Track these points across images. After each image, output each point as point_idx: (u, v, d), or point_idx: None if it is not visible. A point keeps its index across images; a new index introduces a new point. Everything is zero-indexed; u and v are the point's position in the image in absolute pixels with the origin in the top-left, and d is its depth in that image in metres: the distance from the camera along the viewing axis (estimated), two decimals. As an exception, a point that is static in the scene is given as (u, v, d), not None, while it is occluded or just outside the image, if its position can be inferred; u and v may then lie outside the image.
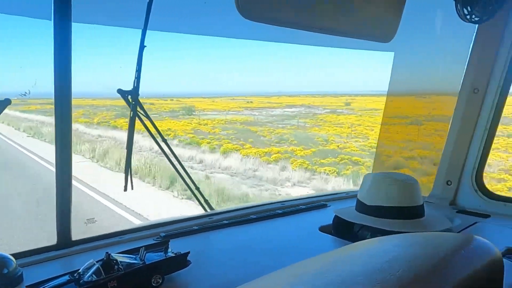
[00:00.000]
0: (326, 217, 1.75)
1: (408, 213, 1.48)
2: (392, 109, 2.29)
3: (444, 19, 2.12)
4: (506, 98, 1.85)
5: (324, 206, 2.02)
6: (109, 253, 1.09)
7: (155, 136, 1.64)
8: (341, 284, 0.61)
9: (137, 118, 1.56)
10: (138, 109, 1.55)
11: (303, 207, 1.96)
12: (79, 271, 1.07)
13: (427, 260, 0.68)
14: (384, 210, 1.49)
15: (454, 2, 1.63)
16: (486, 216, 1.81)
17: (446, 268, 0.67)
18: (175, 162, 1.72)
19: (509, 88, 1.83)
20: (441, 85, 2.19)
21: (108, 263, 1.07)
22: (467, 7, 1.62)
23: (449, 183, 2.00)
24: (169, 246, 1.24)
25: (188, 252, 1.20)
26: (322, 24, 1.40)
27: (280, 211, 1.88)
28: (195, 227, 1.64)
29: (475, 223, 1.71)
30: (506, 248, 1.41)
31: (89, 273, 1.04)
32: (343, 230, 1.62)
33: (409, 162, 2.32)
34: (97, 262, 1.08)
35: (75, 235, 1.46)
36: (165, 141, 1.71)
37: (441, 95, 2.19)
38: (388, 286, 0.59)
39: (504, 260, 1.34)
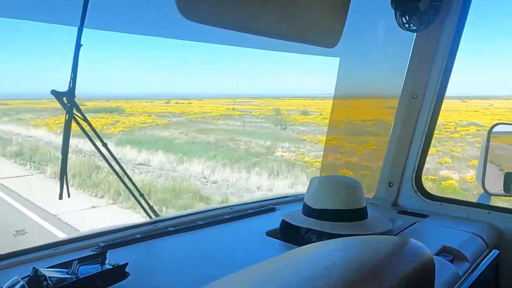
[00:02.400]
0: (274, 221, 1.74)
1: (351, 216, 1.51)
2: (338, 113, 2.34)
3: (387, 27, 2.20)
4: (441, 104, 1.95)
5: (272, 210, 2.01)
6: (36, 268, 1.00)
7: (93, 139, 1.55)
8: None
9: (73, 121, 1.46)
10: (75, 111, 1.46)
11: (252, 211, 1.95)
12: None
13: (362, 264, 0.68)
14: (328, 213, 1.51)
15: (394, 11, 1.69)
16: (424, 216, 1.90)
17: (381, 271, 0.68)
18: (116, 167, 1.64)
19: (444, 94, 1.94)
20: (384, 91, 2.27)
21: (34, 280, 0.98)
22: (405, 16, 1.69)
23: (391, 185, 2.08)
24: (107, 257, 1.17)
25: (127, 264, 1.14)
26: (267, 28, 1.39)
27: (227, 216, 1.85)
28: (138, 236, 1.57)
29: (414, 223, 1.78)
30: (441, 247, 1.48)
31: None
32: (290, 234, 1.62)
33: (355, 164, 2.38)
34: (22, 278, 0.98)
35: (2, 249, 1.34)
36: (105, 145, 1.63)
37: (385, 101, 2.27)
38: None
39: (439, 258, 1.41)
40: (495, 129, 2.00)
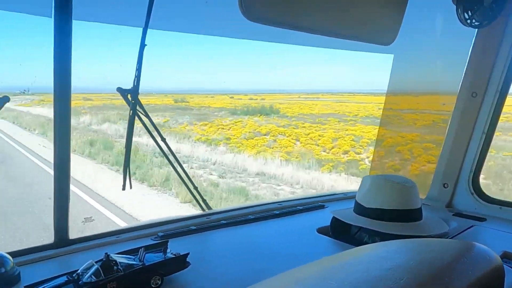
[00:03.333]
0: (323, 218, 1.75)
1: (406, 216, 1.49)
2: (391, 110, 2.30)
3: (444, 23, 2.12)
4: (504, 103, 1.86)
5: (321, 207, 2.02)
6: (108, 253, 1.08)
7: (153, 135, 1.63)
8: None
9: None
10: (138, 108, 1.54)
11: (301, 207, 1.97)
12: (78, 271, 1.06)
13: (429, 267, 0.68)
14: (382, 213, 1.50)
15: (455, 6, 1.63)
16: (482, 219, 1.82)
17: (449, 276, 0.67)
18: (174, 162, 1.72)
19: (507, 93, 1.85)
20: (440, 88, 2.20)
21: (107, 264, 1.06)
22: (468, 11, 1.62)
23: (445, 185, 2.02)
24: (168, 246, 1.23)
25: (188, 254, 1.20)
26: (324, 27, 1.39)
27: (277, 212, 1.88)
28: (193, 227, 1.64)
29: (472, 226, 1.72)
30: (503, 252, 1.43)
31: (88, 274, 1.04)
32: (341, 232, 1.62)
33: (407, 163, 2.33)
34: (96, 262, 1.07)
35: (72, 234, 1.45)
36: (164, 140, 1.71)
37: (440, 99, 2.20)
38: None
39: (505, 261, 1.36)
40: None
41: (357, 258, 0.79)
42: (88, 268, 1.06)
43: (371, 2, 1.53)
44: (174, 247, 1.25)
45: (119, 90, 1.51)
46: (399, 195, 1.50)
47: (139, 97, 1.52)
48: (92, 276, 1.03)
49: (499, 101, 1.85)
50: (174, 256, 1.18)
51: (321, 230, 1.67)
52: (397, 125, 2.34)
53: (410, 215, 1.50)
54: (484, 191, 1.96)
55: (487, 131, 1.89)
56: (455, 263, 0.71)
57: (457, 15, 1.65)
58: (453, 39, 2.12)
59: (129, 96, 1.52)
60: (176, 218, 1.70)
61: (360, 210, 1.57)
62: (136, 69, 1.49)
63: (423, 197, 2.11)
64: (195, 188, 1.84)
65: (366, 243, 1.51)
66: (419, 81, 2.22)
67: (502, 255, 1.41)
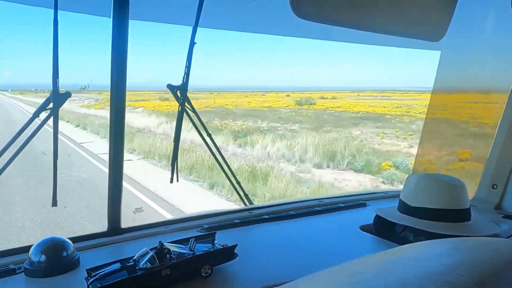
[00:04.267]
0: (366, 216, 1.74)
1: (454, 216, 1.45)
2: (437, 108, 2.24)
3: (496, 17, 2.04)
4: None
5: (363, 205, 2.01)
6: (162, 242, 1.14)
7: (200, 130, 1.69)
8: (405, 286, 0.62)
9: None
10: (186, 104, 1.60)
11: (342, 205, 1.96)
12: (134, 258, 1.12)
13: (489, 266, 0.67)
14: (428, 212, 1.47)
15: (510, 1, 1.58)
16: None
17: (510, 275, 0.67)
18: (219, 157, 1.77)
19: None
20: (490, 85, 2.12)
21: (161, 252, 1.11)
22: (524, 5, 1.56)
23: (495, 187, 1.95)
24: (215, 238, 1.28)
25: (235, 245, 1.24)
26: (373, 24, 1.39)
27: (319, 208, 1.89)
28: (236, 221, 1.68)
29: None
30: None
31: (144, 260, 1.10)
32: (385, 230, 1.61)
33: (453, 163, 2.26)
34: (150, 250, 1.13)
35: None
36: (210, 135, 1.76)
37: (491, 95, 2.12)
38: None
39: None
40: None
41: (410, 255, 0.79)
42: (143, 255, 1.12)
43: None
44: (220, 239, 1.29)
45: (169, 86, 1.57)
46: (447, 194, 1.47)
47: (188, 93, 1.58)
48: (148, 262, 1.09)
49: None
50: (223, 247, 1.22)
51: (364, 228, 1.66)
52: (444, 124, 2.28)
53: (458, 215, 1.46)
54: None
55: None
56: None
57: (512, 9, 1.59)
58: (503, 34, 2.04)
59: (178, 92, 1.58)
60: (220, 212, 1.75)
61: (405, 208, 1.55)
62: (186, 67, 1.54)
63: (470, 198, 2.04)
64: (238, 183, 1.88)
65: (411, 242, 1.49)
66: (467, 78, 2.15)
67: None
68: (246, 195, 1.92)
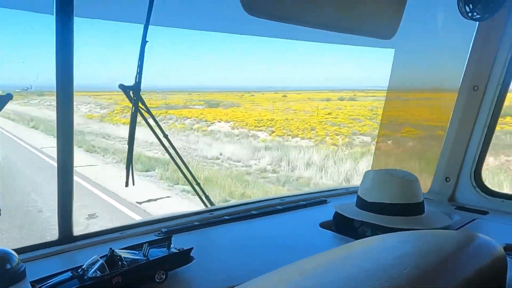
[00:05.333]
0: (326, 213, 1.76)
1: (408, 210, 1.49)
2: (392, 106, 2.29)
3: (445, 16, 2.12)
4: (505, 96, 1.86)
5: (324, 202, 2.03)
6: (112, 249, 1.09)
7: (155, 131, 1.64)
8: (352, 280, 0.62)
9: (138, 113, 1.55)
10: (140, 104, 1.55)
11: (303, 203, 1.97)
12: (83, 267, 1.07)
13: (434, 257, 0.69)
14: (384, 207, 1.50)
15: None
16: (484, 212, 1.83)
17: (453, 265, 0.68)
18: (177, 158, 1.72)
19: (508, 86, 1.84)
20: (441, 82, 2.19)
21: (112, 259, 1.07)
22: (469, 4, 1.62)
23: (447, 179, 2.02)
24: (172, 242, 1.24)
25: (192, 248, 1.21)
26: (324, 21, 1.39)
27: (280, 207, 1.89)
28: (196, 223, 1.65)
29: (474, 219, 1.73)
30: (505, 245, 1.43)
31: (93, 269, 1.05)
32: (344, 226, 1.63)
33: (408, 158, 2.33)
34: (100, 258, 1.08)
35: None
36: (166, 136, 1.71)
37: (441, 92, 2.20)
38: (397, 282, 0.59)
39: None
40: None
41: (363, 249, 0.80)
42: (93, 263, 1.07)
43: None
44: (178, 243, 1.26)
45: (121, 87, 1.51)
46: (401, 189, 1.50)
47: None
48: (97, 271, 1.04)
49: (501, 94, 1.85)
50: (178, 251, 1.19)
51: (324, 225, 1.68)
52: (399, 120, 2.34)
53: (413, 209, 1.50)
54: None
55: (488, 124, 1.89)
56: (459, 252, 0.72)
57: (458, 8, 1.64)
58: (454, 33, 2.11)
59: (131, 93, 1.53)
60: (179, 214, 1.71)
61: (363, 204, 1.58)
62: (138, 66, 1.49)
63: (426, 191, 2.11)
64: (198, 184, 1.85)
65: (368, 237, 1.52)
66: (420, 76, 2.22)
67: (504, 248, 1.41)
68: (206, 196, 1.88)
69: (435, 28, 2.17)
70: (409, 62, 2.22)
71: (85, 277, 1.03)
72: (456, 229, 1.61)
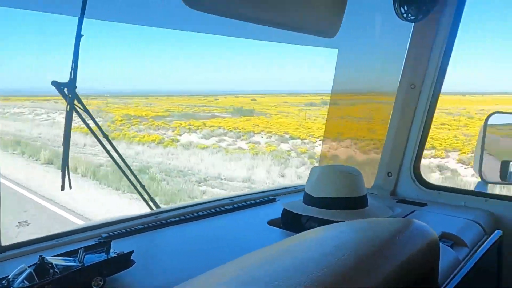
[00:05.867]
0: (275, 211, 1.76)
1: (352, 204, 1.53)
2: (337, 105, 2.36)
3: (386, 17, 2.21)
4: (439, 93, 1.97)
5: (273, 200, 2.03)
6: (42, 256, 1.01)
7: (94, 131, 1.55)
8: (291, 270, 0.61)
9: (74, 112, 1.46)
10: (76, 102, 1.46)
11: (252, 202, 1.96)
12: (8, 277, 0.98)
13: (370, 243, 0.69)
14: (329, 202, 1.53)
15: (392, 1, 1.70)
16: (423, 204, 1.92)
17: (388, 250, 0.69)
18: (118, 159, 1.64)
19: (442, 84, 1.95)
20: (383, 82, 2.28)
21: (42, 267, 0.98)
22: (404, 6, 1.70)
23: (389, 174, 2.10)
24: (111, 246, 1.17)
25: (132, 252, 1.14)
26: (264, 17, 1.39)
27: (228, 207, 1.86)
28: (140, 226, 1.58)
29: (413, 211, 1.81)
30: (441, 233, 1.50)
31: (19, 279, 0.96)
32: (292, 223, 1.64)
33: (353, 155, 2.40)
34: (29, 267, 0.99)
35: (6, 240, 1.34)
36: (106, 137, 1.63)
37: (383, 92, 2.28)
38: (333, 270, 0.59)
39: (440, 243, 1.43)
40: (491, 118, 2.03)
41: (307, 240, 0.80)
42: (20, 273, 0.98)
43: None
44: (120, 248, 1.19)
45: (54, 84, 1.41)
46: (345, 183, 1.54)
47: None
48: (25, 281, 0.95)
49: (435, 92, 1.96)
50: (116, 255, 1.12)
51: (272, 222, 1.67)
52: (344, 119, 2.41)
53: (356, 203, 1.54)
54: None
55: (425, 121, 1.99)
56: (394, 238, 0.73)
57: (394, 10, 1.72)
58: (395, 33, 2.21)
59: (65, 90, 1.43)
60: (122, 219, 1.62)
61: (309, 200, 1.59)
62: (73, 62, 1.40)
63: (370, 186, 2.18)
64: (142, 186, 1.78)
65: None
66: (363, 75, 2.30)
67: (441, 236, 1.49)
68: (151, 198, 1.82)
69: (377, 28, 2.26)
70: (352, 62, 2.29)
71: None
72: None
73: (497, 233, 1.49)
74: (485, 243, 1.41)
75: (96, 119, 1.64)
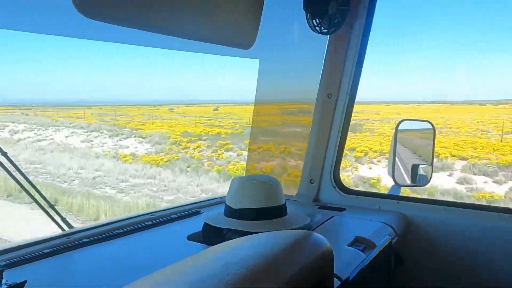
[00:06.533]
0: (198, 224, 1.71)
1: (270, 213, 1.53)
2: (260, 115, 2.38)
3: (303, 30, 2.27)
4: (354, 102, 2.07)
5: (197, 213, 1.98)
6: None
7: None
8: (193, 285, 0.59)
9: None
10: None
11: (175, 216, 1.90)
12: None
13: (260, 259, 0.69)
14: (248, 212, 1.52)
15: (305, 14, 1.76)
16: (342, 209, 1.99)
17: (279, 265, 0.69)
18: (20, 177, 1.51)
19: (356, 93, 2.05)
20: (304, 92, 2.35)
21: None
22: (316, 19, 1.76)
23: (312, 181, 2.16)
24: (3, 276, 1.06)
25: (25, 282, 1.04)
26: (176, 28, 1.36)
27: (149, 223, 1.78)
28: (47, 250, 1.45)
29: (332, 217, 1.86)
30: (355, 237, 1.56)
31: None
32: (213, 236, 1.60)
33: (278, 164, 2.44)
34: None
35: None
36: (5, 154, 1.48)
37: (304, 102, 2.35)
38: (235, 279, 0.58)
39: (352, 248, 1.49)
40: (401, 125, 2.17)
41: (202, 258, 0.77)
42: None
43: (225, 3, 1.54)
44: (20, 276, 1.08)
45: None
46: (263, 193, 1.54)
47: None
48: None
49: (350, 102, 2.05)
50: (7, 286, 1.01)
51: (193, 237, 1.63)
52: (267, 130, 2.44)
53: (274, 212, 1.55)
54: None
55: (342, 129, 2.07)
56: (287, 252, 0.73)
57: (307, 23, 1.78)
58: (313, 45, 2.28)
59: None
60: (24, 243, 1.48)
61: (229, 211, 1.58)
62: None
63: (295, 193, 2.22)
64: (51, 206, 1.64)
65: None
66: (285, 85, 2.35)
67: (354, 240, 1.55)
68: (63, 218, 1.68)
69: (296, 40, 2.32)
70: (274, 72, 2.33)
71: None
72: (315, 228, 1.71)
73: (387, 239, 1.57)
74: (387, 244, 1.49)
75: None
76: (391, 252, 1.59)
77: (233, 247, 0.77)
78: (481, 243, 1.75)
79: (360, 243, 1.53)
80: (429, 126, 2.14)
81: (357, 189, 2.16)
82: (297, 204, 2.13)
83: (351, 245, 1.49)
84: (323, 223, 1.76)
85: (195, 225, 1.75)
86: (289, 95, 2.37)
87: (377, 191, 2.10)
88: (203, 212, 1.99)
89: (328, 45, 2.07)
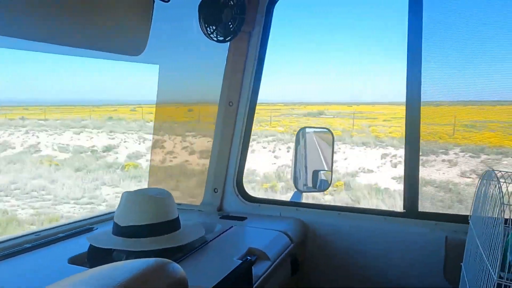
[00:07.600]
0: (86, 244, 1.57)
1: (160, 229, 1.45)
2: (161, 122, 2.29)
3: (205, 37, 2.24)
4: (255, 109, 2.07)
5: (90, 230, 1.83)
6: None
7: None
8: None
9: None
10: None
11: (62, 235, 1.73)
12: None
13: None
14: (137, 230, 1.43)
15: (199, 21, 1.71)
16: (243, 218, 1.97)
17: None
18: None
19: (256, 101, 2.06)
20: (207, 100, 2.31)
21: None
22: (210, 26, 1.72)
23: (216, 190, 2.12)
24: None
25: None
26: (61, 36, 1.25)
27: (28, 245, 1.59)
28: None
29: (231, 227, 1.83)
30: (248, 249, 1.54)
31: None
32: (100, 258, 1.48)
33: (183, 173, 2.36)
34: None
35: None
36: None
37: (207, 108, 2.31)
38: None
39: (240, 261, 1.45)
40: (301, 132, 2.22)
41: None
42: None
43: (112, 12, 1.45)
44: None
45: None
46: (152, 208, 1.45)
47: None
48: None
49: (251, 109, 2.05)
50: None
51: (75, 260, 1.49)
52: (171, 137, 2.36)
53: (166, 227, 1.47)
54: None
55: (243, 137, 2.06)
56: (131, 284, 0.68)
57: (202, 30, 1.73)
58: (215, 52, 2.25)
59: None
60: None
61: (117, 230, 1.47)
62: None
63: (199, 203, 2.16)
64: None
65: None
66: (186, 91, 2.29)
67: (247, 252, 1.53)
68: None
69: (197, 47, 2.27)
70: (175, 78, 2.26)
71: None
72: (212, 239, 1.66)
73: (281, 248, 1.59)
74: (283, 253, 1.50)
75: None
76: (286, 260, 1.60)
77: (74, 282, 0.70)
78: (369, 242, 1.86)
79: (252, 254, 1.51)
80: (328, 133, 2.22)
81: (260, 197, 2.15)
82: (201, 214, 2.08)
83: (242, 257, 1.46)
84: (220, 234, 1.73)
85: (82, 245, 1.60)
86: (190, 101, 2.31)
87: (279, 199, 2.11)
88: (97, 228, 1.85)
89: (228, 52, 2.06)
